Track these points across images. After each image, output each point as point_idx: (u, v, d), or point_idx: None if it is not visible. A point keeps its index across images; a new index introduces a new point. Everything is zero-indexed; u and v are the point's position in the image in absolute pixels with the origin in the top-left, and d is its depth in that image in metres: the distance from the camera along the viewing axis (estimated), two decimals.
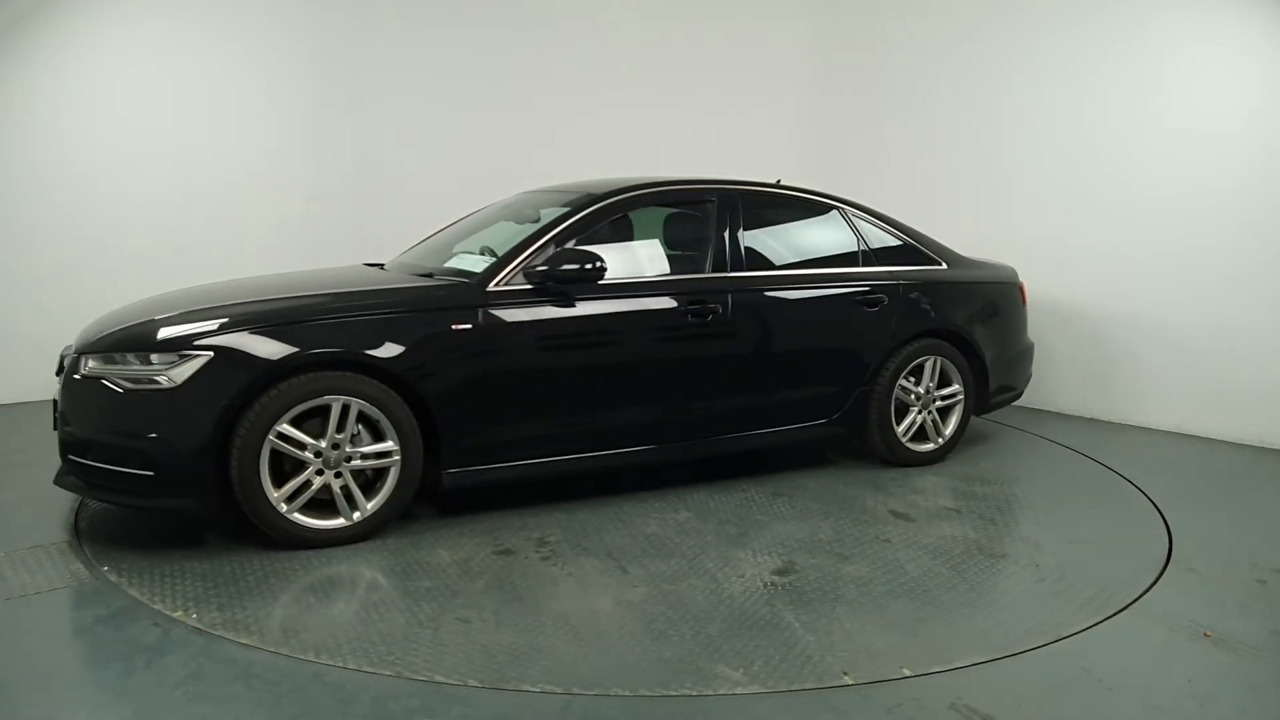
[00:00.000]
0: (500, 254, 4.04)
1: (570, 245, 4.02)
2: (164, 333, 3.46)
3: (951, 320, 4.96)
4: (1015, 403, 5.59)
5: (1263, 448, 5.53)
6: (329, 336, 3.54)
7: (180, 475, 3.38)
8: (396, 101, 6.65)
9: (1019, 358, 5.41)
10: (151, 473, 3.37)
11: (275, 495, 3.48)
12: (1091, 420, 6.27)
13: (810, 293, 4.57)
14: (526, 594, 3.24)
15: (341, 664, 2.71)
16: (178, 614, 3.01)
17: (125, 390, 3.37)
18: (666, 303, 4.17)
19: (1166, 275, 5.79)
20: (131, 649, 2.74)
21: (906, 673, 2.75)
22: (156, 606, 3.05)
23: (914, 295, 4.85)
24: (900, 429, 4.85)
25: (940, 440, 5.00)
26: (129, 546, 3.57)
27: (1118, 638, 3.03)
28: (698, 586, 3.33)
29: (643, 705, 2.52)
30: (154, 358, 3.40)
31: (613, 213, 4.26)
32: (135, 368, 3.39)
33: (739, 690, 2.63)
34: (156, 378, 3.36)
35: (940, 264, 5.05)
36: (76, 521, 3.75)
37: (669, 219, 4.69)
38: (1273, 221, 5.35)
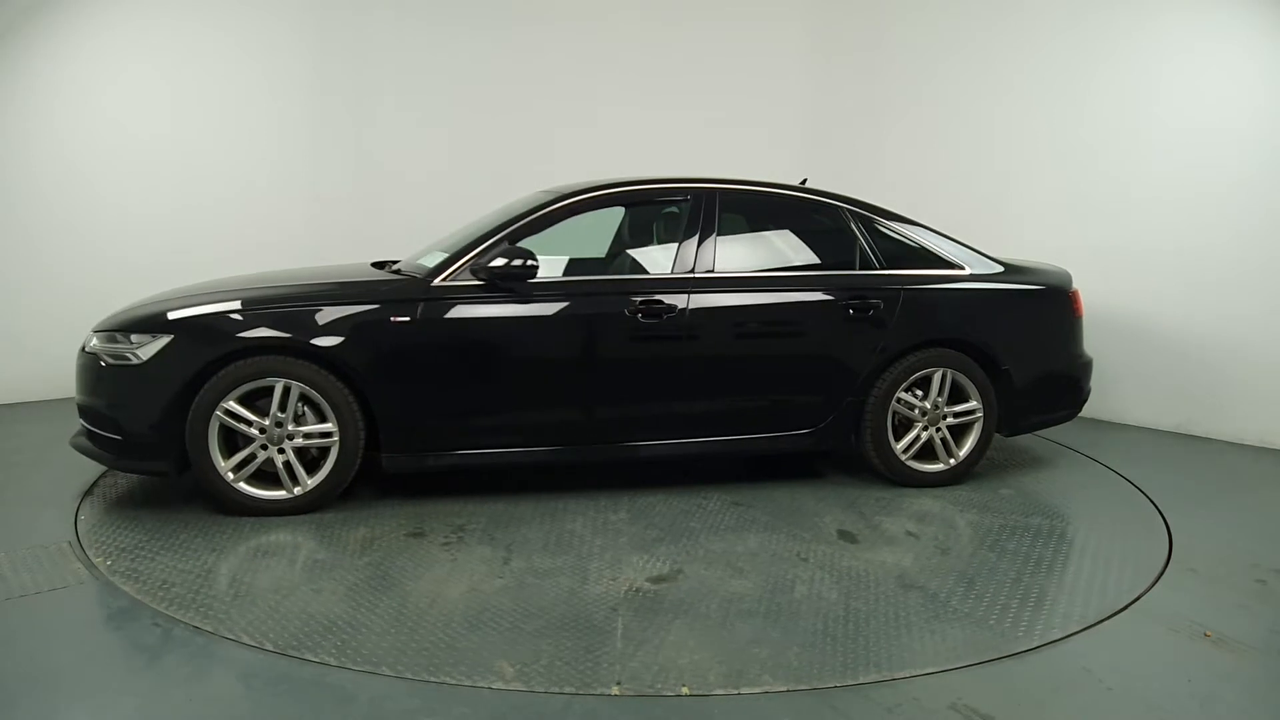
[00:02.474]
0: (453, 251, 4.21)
1: (518, 244, 4.12)
2: (140, 316, 3.96)
3: (966, 329, 4.54)
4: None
5: (1263, 448, 5.49)
6: (272, 324, 3.87)
7: (142, 442, 3.85)
8: (399, 102, 6.75)
9: (1066, 373, 4.82)
10: (120, 438, 3.87)
11: (223, 465, 3.87)
12: (1095, 421, 5.98)
13: (783, 295, 4.36)
14: (395, 574, 3.39)
15: (186, 619, 3.00)
16: (97, 560, 3.45)
17: (107, 364, 3.89)
18: (615, 302, 4.15)
19: (1166, 275, 5.73)
20: (131, 649, 2.80)
21: (684, 691, 2.63)
22: (90, 552, 3.52)
23: (917, 301, 4.48)
24: (900, 446, 4.51)
25: (952, 461, 4.58)
26: (108, 509, 4.10)
27: (1118, 638, 3.02)
28: (561, 584, 3.33)
29: (632, 705, 2.55)
30: (133, 337, 3.89)
31: (571, 212, 4.30)
32: (119, 345, 3.90)
33: (497, 685, 2.64)
34: (128, 355, 3.84)
35: (962, 269, 4.63)
36: (76, 521, 3.83)
37: (652, 219, 4.65)
38: (1273, 221, 5.26)
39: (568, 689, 2.63)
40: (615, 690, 2.63)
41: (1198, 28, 5.53)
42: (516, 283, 4.04)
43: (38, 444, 4.82)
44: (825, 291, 4.39)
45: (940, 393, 4.51)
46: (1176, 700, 2.64)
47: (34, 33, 5.62)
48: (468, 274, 4.07)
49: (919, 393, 4.52)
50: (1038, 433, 5.47)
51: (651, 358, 4.21)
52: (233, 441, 3.91)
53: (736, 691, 2.63)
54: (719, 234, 4.37)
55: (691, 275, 4.27)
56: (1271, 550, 3.84)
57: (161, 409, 3.80)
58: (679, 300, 4.20)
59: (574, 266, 4.48)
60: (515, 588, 3.30)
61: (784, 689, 2.65)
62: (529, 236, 4.20)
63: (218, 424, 3.83)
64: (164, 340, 3.83)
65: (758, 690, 2.64)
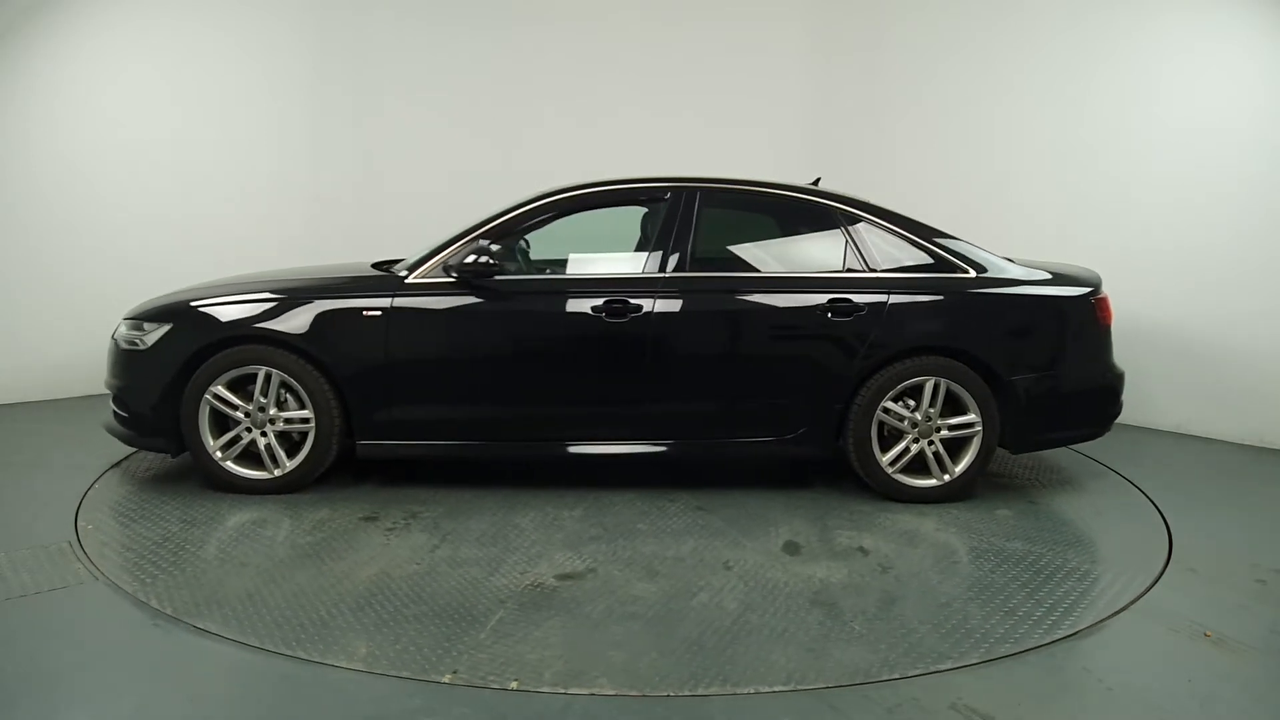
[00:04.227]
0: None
1: (487, 241, 4.22)
2: (150, 306, 4.36)
3: (959, 337, 4.25)
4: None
5: (1263, 448, 5.50)
6: (256, 315, 4.16)
7: (145, 420, 4.24)
8: (399, 102, 6.79)
9: (1086, 388, 4.41)
10: (126, 415, 4.27)
11: (212, 445, 4.20)
12: None
13: (756, 297, 4.24)
14: (326, 554, 3.58)
15: (115, 577, 3.29)
16: (82, 523, 3.83)
17: (123, 349, 4.30)
18: (581, 301, 4.17)
19: (1166, 275, 5.71)
20: (131, 649, 2.82)
21: (514, 685, 2.64)
22: (81, 518, 3.90)
23: (906, 306, 4.23)
24: (886, 458, 4.28)
25: (946, 477, 4.30)
26: (120, 481, 4.52)
27: (1118, 638, 3.05)
28: (469, 575, 3.41)
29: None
30: (145, 325, 4.29)
31: (546, 211, 4.36)
32: (133, 332, 4.30)
33: (342, 665, 2.74)
34: (137, 341, 4.24)
35: (965, 272, 4.34)
36: (77, 522, 3.86)
37: (640, 217, 4.65)
38: (1273, 221, 5.28)
39: (405, 673, 2.69)
40: (448, 678, 2.67)
41: (1198, 28, 5.52)
42: (482, 279, 4.14)
43: (38, 444, 4.96)
44: (802, 294, 4.24)
45: (932, 403, 4.24)
46: (1176, 700, 2.63)
47: (34, 33, 5.62)
48: (440, 271, 4.22)
49: (911, 402, 4.27)
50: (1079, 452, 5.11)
51: (616, 357, 4.20)
52: (225, 424, 4.23)
53: (564, 690, 2.62)
54: (696, 233, 4.31)
55: (660, 275, 4.23)
56: (1271, 550, 3.82)
57: (160, 391, 4.17)
58: (646, 300, 4.17)
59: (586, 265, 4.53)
60: (424, 574, 3.40)
61: (612, 692, 2.62)
62: (504, 235, 4.30)
63: (208, 407, 4.16)
64: (165, 328, 4.20)
65: (585, 691, 2.62)
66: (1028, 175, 6.33)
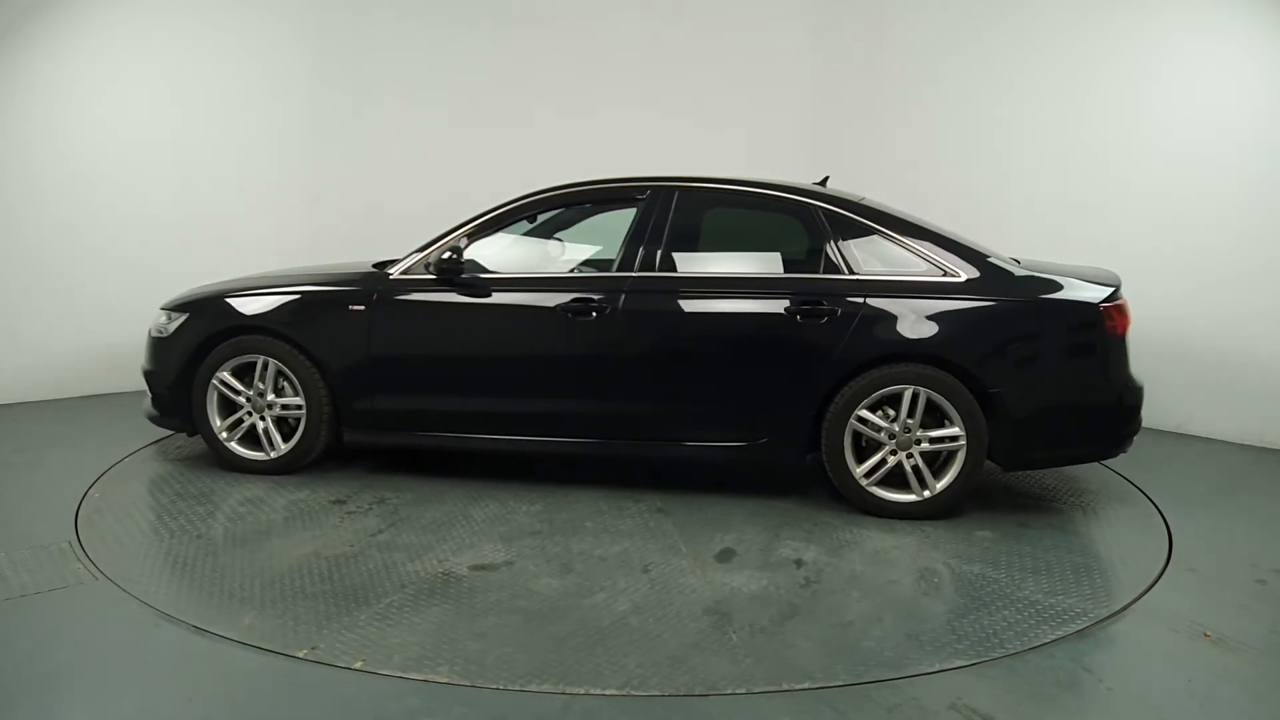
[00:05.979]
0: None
1: (466, 241, 4.36)
2: (176, 298, 4.76)
3: (943, 343, 3.98)
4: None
5: (1263, 448, 5.49)
6: (254, 309, 4.47)
7: (165, 401, 4.64)
8: (398, 102, 6.83)
9: (1090, 403, 4.03)
10: (152, 397, 4.70)
11: (218, 425, 4.55)
12: None
13: (724, 298, 4.15)
14: (276, 532, 3.80)
15: (84, 536, 3.64)
16: (89, 490, 4.25)
17: (152, 336, 4.74)
18: (548, 299, 4.23)
19: (1166, 275, 5.62)
20: (132, 649, 2.83)
21: (357, 665, 2.74)
22: (93, 489, 4.32)
23: (884, 310, 4.02)
24: (860, 470, 4.08)
25: (926, 493, 4.05)
26: (151, 455, 4.96)
27: (1118, 638, 3.06)
28: (390, 559, 3.53)
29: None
30: (171, 314, 4.70)
31: (527, 211, 4.45)
32: (163, 321, 4.72)
33: (225, 634, 2.91)
34: (163, 329, 4.66)
35: (956, 275, 4.07)
36: (76, 522, 3.85)
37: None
38: (1273, 221, 5.28)
39: (272, 646, 2.84)
40: (302, 653, 2.80)
41: (1197, 28, 5.50)
42: (453, 275, 4.28)
43: (38, 444, 4.99)
44: (772, 296, 4.11)
45: (911, 413, 4.01)
46: (1176, 700, 2.65)
47: (34, 33, 5.58)
48: (422, 269, 4.39)
49: (890, 412, 4.06)
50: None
51: (580, 356, 4.23)
52: (233, 408, 4.57)
53: (401, 675, 2.69)
54: (669, 233, 4.27)
55: (627, 275, 4.22)
56: (1271, 550, 3.82)
57: (176, 375, 4.55)
58: (612, 300, 4.17)
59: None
60: (350, 556, 3.55)
61: (446, 681, 2.66)
62: (485, 234, 4.43)
63: (215, 392, 4.51)
64: (183, 318, 4.59)
65: (420, 677, 2.67)
66: (1028, 175, 6.24)
